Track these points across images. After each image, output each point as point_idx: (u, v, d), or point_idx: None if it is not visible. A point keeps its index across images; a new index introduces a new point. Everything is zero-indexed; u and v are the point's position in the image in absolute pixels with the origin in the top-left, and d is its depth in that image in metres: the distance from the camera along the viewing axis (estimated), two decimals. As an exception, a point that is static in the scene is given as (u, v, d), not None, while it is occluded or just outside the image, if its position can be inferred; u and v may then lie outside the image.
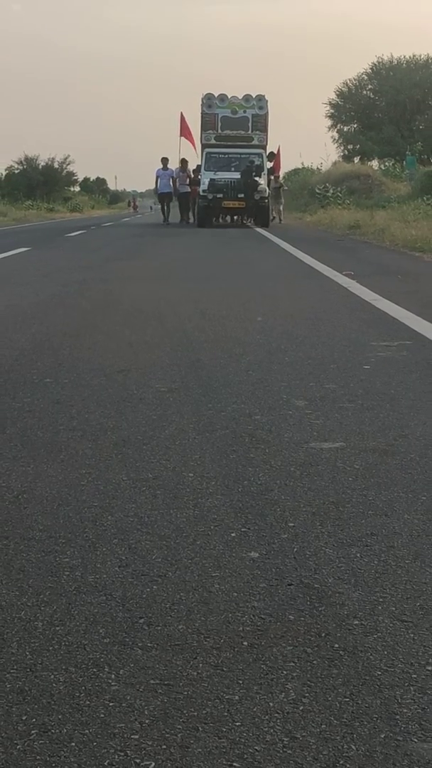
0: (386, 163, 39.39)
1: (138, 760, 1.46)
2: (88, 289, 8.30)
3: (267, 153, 24.57)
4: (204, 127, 24.52)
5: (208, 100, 24.48)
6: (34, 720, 1.56)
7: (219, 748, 1.48)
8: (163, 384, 4.07)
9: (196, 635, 1.84)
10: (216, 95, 24.51)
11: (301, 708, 1.59)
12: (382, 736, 1.51)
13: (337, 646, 1.79)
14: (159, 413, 3.56)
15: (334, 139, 47.60)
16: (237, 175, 22.30)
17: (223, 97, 24.52)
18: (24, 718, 1.57)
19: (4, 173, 54.85)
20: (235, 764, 1.45)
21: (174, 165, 24.99)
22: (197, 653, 1.77)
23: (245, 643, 1.80)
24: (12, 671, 1.71)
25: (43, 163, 56.42)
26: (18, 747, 1.49)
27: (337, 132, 47.74)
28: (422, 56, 46.03)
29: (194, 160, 25.36)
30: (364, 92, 47.68)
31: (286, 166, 27.40)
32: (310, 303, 7.12)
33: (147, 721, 1.56)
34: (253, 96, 24.57)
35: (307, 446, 3.11)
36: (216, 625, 1.87)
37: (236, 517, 2.47)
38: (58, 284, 8.80)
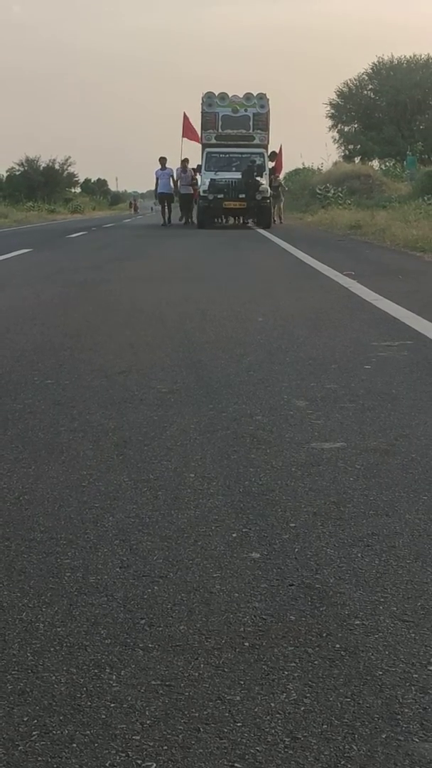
0: (387, 163, 39.40)
1: (139, 761, 1.46)
2: (90, 290, 8.31)
3: (269, 152, 24.32)
4: (204, 127, 24.30)
5: (209, 99, 24.26)
6: (35, 721, 1.56)
7: (220, 749, 1.48)
8: (164, 385, 4.08)
9: (197, 636, 1.84)
10: (216, 94, 24.29)
11: (302, 708, 1.59)
12: (384, 736, 1.51)
13: (338, 646, 1.79)
14: (160, 414, 3.56)
15: (335, 140, 47.67)
16: (238, 175, 22.02)
17: (223, 96, 24.29)
18: (25, 719, 1.57)
19: (5, 175, 54.91)
20: (236, 765, 1.45)
21: (175, 165, 24.83)
22: (198, 654, 1.77)
23: (246, 644, 1.81)
24: (13, 672, 1.71)
25: (44, 165, 56.48)
26: (19, 748, 1.49)
27: (337, 132, 47.80)
28: (422, 56, 46.08)
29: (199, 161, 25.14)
30: (365, 92, 47.69)
31: (287, 167, 27.16)
32: (310, 303, 7.12)
33: (148, 722, 1.56)
34: (254, 94, 24.33)
35: (309, 446, 3.11)
36: (217, 626, 1.87)
37: (237, 517, 2.47)
38: (59, 285, 8.81)
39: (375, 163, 40.94)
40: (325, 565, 2.15)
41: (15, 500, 2.62)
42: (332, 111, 47.88)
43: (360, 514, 2.48)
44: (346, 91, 47.55)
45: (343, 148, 47.06)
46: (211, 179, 22.14)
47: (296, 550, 2.25)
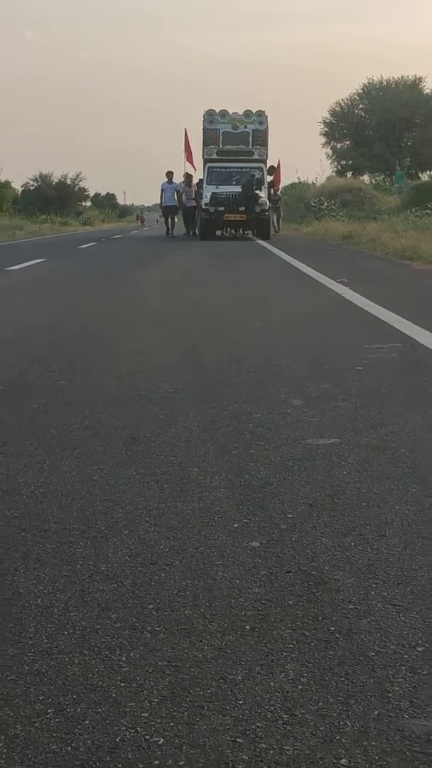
0: (377, 178, 39.39)
1: (148, 737, 1.46)
2: (99, 297, 8.31)
3: (267, 167, 24.06)
4: (206, 143, 23.94)
5: (210, 116, 23.90)
6: (50, 700, 1.56)
7: (223, 725, 1.48)
8: (169, 385, 4.07)
9: (201, 619, 1.84)
10: (217, 111, 23.95)
11: (299, 687, 1.59)
12: (376, 713, 1.51)
13: (333, 629, 1.79)
14: (166, 412, 3.56)
15: (328, 156, 47.58)
16: (238, 189, 21.78)
17: (224, 113, 23.94)
18: (41, 698, 1.57)
19: (20, 189, 54.86)
20: (238, 740, 1.45)
21: (179, 179, 24.70)
22: (202, 636, 1.77)
23: (247, 627, 1.80)
24: (30, 654, 1.72)
25: (56, 180, 56.43)
26: (35, 725, 1.49)
27: (330, 149, 47.71)
28: (410, 77, 46.01)
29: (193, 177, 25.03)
30: (356, 111, 47.60)
31: (284, 181, 26.85)
32: (306, 308, 7.12)
33: (156, 701, 1.56)
34: (254, 111, 23.96)
35: (304, 442, 3.10)
36: (220, 610, 1.87)
37: (238, 509, 2.47)
38: (70, 293, 8.81)
39: (366, 178, 40.93)
40: (320, 553, 2.15)
41: (30, 493, 2.62)
42: (326, 129, 47.81)
43: (353, 505, 2.48)
44: (338, 110, 47.48)
45: (336, 163, 47.01)
46: (213, 192, 21.93)
47: (293, 539, 2.24)
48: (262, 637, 1.76)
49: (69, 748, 1.44)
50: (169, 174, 24.34)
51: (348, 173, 43.79)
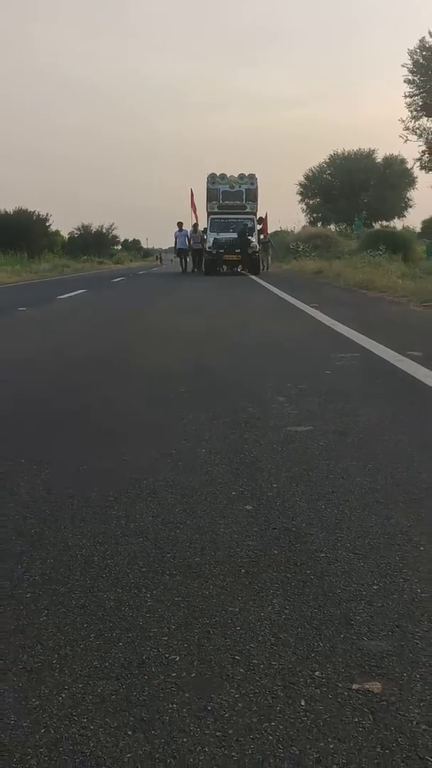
0: (340, 226, 39.26)
1: (167, 655, 1.46)
2: (126, 319, 8.30)
3: (257, 218, 23.91)
4: (209, 199, 23.79)
5: (212, 178, 23.70)
6: (92, 627, 1.57)
7: (225, 646, 1.48)
8: (183, 386, 4.07)
9: (207, 566, 1.83)
10: (218, 174, 23.80)
11: (283, 617, 1.59)
12: (342, 636, 1.51)
13: (308, 572, 1.79)
14: (180, 406, 3.55)
15: (303, 210, 47.47)
16: (234, 235, 21.81)
17: (223, 176, 23.78)
18: (85, 625, 1.57)
19: (67, 237, 54.84)
20: (236, 657, 1.45)
21: (187, 227, 24.76)
22: (208, 578, 1.77)
23: (243, 571, 1.80)
24: (76, 592, 1.72)
25: (95, 229, 56.40)
26: (81, 646, 1.50)
27: (305, 204, 47.65)
28: (366, 149, 46.04)
29: (198, 225, 25.01)
30: (324, 176, 47.56)
31: (270, 228, 26.63)
32: (287, 327, 7.11)
33: (173, 627, 1.56)
34: (246, 174, 23.85)
35: (286, 429, 3.10)
36: (222, 558, 1.87)
37: (235, 480, 2.46)
38: (107, 315, 8.80)
39: (332, 227, 40.83)
40: (299, 514, 2.15)
41: (76, 470, 2.62)
42: (301, 189, 47.79)
43: (324, 477, 2.48)
44: (310, 175, 47.45)
45: (309, 215, 46.94)
46: (215, 238, 21.97)
47: (278, 503, 2.24)
48: (254, 579, 1.76)
49: (107, 663, 1.44)
50: (180, 224, 24.33)
51: (318, 223, 43.73)
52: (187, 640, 1.51)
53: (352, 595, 1.68)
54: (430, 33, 26.53)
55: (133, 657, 1.46)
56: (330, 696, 1.34)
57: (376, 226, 37.07)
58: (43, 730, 1.27)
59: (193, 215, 25.22)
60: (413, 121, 27.24)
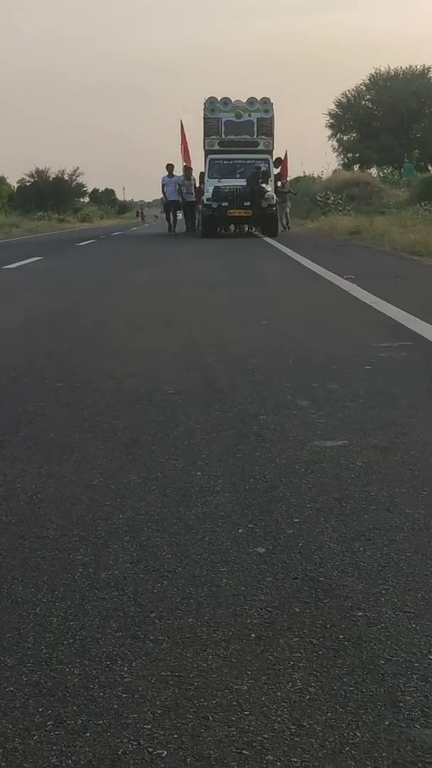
0: (384, 171, 39.38)
1: (151, 749, 1.46)
2: (98, 297, 8.32)
3: (273, 158, 23.04)
4: (207, 133, 22.86)
5: (211, 104, 22.79)
6: (50, 712, 1.57)
7: (228, 737, 1.49)
8: (171, 386, 4.08)
9: (205, 628, 1.84)
10: (219, 99, 22.83)
11: (307, 697, 1.59)
12: (386, 723, 1.51)
13: (341, 636, 1.79)
14: (168, 415, 3.56)
15: (334, 148, 47.65)
16: (242, 182, 20.85)
17: (226, 101, 22.82)
18: (40, 709, 1.58)
19: (16, 186, 54.96)
20: (244, 752, 1.45)
21: (180, 173, 23.67)
22: (207, 645, 1.77)
23: (253, 635, 1.81)
24: (28, 665, 1.72)
25: (53, 176, 56.53)
26: (35, 738, 1.50)
27: (336, 141, 47.80)
28: (419, 66, 46.10)
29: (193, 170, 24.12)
30: (363, 102, 47.69)
31: (290, 174, 25.89)
32: (312, 306, 7.12)
33: (159, 712, 1.56)
34: (258, 99, 22.90)
35: (311, 445, 3.11)
36: (225, 618, 1.88)
37: (243, 513, 2.47)
38: (69, 292, 8.82)
39: (373, 171, 40.98)
40: (328, 559, 2.15)
41: (28, 499, 2.63)
42: (332, 121, 47.91)
43: (361, 509, 2.48)
44: (344, 101, 47.57)
45: (342, 156, 47.11)
46: (215, 187, 21.02)
47: (300, 544, 2.25)
48: (269, 645, 1.77)
49: (69, 761, 1.44)
50: (170, 167, 23.43)
51: (355, 166, 43.85)
52: (177, 729, 1.51)
53: (399, 668, 1.68)
54: None
55: (105, 752, 1.46)
56: (370, 804, 1.34)
57: (433, 170, 37.12)
58: None
59: (184, 157, 24.55)
60: None
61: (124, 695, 1.61)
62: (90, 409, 3.68)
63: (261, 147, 22.76)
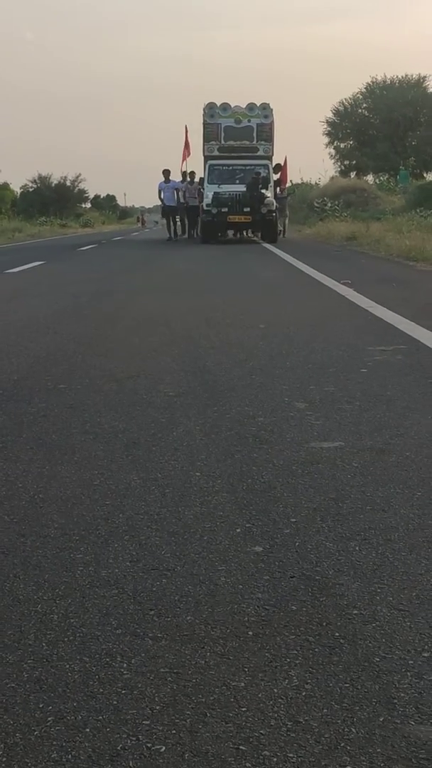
0: (381, 178, 39.42)
1: (149, 745, 1.46)
2: (100, 300, 8.32)
3: (273, 164, 22.52)
4: (206, 138, 22.45)
5: (210, 110, 22.42)
6: (50, 708, 1.57)
7: (226, 733, 1.48)
8: (171, 388, 4.08)
9: (203, 626, 1.84)
10: (218, 104, 22.48)
11: (303, 694, 1.59)
12: (381, 719, 1.51)
13: (337, 634, 1.79)
14: (167, 416, 3.56)
15: (332, 156, 47.64)
16: (242, 188, 20.45)
17: (225, 106, 22.47)
18: (41, 705, 1.57)
19: (19, 191, 54.95)
20: (241, 747, 1.45)
21: (178, 178, 23.24)
22: (205, 643, 1.77)
23: (250, 633, 1.81)
24: (29, 662, 1.72)
25: (55, 182, 56.52)
26: (35, 733, 1.50)
27: (334, 148, 47.77)
28: (414, 76, 46.07)
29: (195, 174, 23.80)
30: (359, 110, 47.66)
31: (288, 180, 25.59)
32: (309, 310, 7.12)
33: (157, 708, 1.56)
34: (257, 104, 22.55)
35: (308, 446, 3.11)
36: (222, 616, 1.87)
37: (241, 513, 2.47)
38: (71, 295, 8.81)
39: (369, 178, 41.03)
40: (324, 558, 2.15)
41: (30, 499, 2.63)
42: (329, 128, 47.88)
43: (357, 509, 2.48)
44: (341, 109, 47.53)
45: (339, 163, 47.10)
46: (215, 192, 20.62)
47: (297, 543, 2.24)
48: (266, 643, 1.76)
49: (69, 756, 1.44)
50: (166, 172, 22.88)
51: (351, 173, 43.86)
52: (175, 725, 1.51)
53: (394, 665, 1.67)
54: None
55: (105, 748, 1.46)
56: (365, 799, 1.34)
57: (429, 177, 37.19)
58: None
59: (184, 162, 24.21)
60: None
61: (123, 691, 1.61)
62: (91, 411, 3.68)
63: (260, 153, 22.37)
